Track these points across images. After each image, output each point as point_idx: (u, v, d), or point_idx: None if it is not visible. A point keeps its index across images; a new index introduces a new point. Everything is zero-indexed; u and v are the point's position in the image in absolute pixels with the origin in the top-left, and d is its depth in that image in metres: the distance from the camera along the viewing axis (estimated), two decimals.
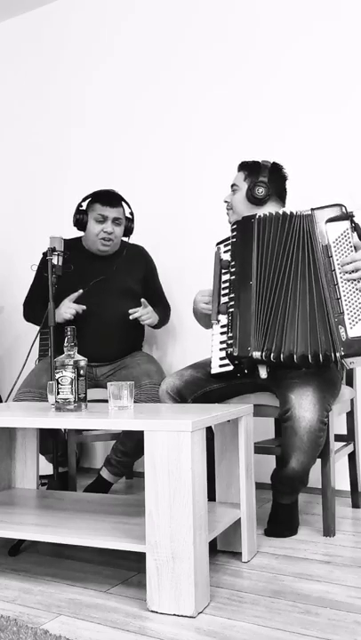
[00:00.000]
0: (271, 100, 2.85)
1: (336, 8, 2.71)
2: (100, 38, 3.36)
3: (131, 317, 2.59)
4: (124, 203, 2.70)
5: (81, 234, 2.77)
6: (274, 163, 2.29)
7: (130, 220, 2.73)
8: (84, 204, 2.70)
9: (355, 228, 1.99)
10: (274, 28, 2.85)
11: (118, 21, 3.30)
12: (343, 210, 2.00)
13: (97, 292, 2.64)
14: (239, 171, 2.32)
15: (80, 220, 2.67)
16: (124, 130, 3.26)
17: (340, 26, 2.70)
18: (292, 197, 2.37)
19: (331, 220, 2.00)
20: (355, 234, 1.98)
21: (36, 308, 2.74)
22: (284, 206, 2.30)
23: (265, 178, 2.23)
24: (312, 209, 2.02)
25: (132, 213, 2.74)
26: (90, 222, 2.66)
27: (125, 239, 2.78)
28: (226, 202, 2.33)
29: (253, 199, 2.23)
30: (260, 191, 2.22)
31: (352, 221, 1.99)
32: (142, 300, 2.62)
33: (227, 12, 2.97)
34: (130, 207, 2.73)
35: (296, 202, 2.33)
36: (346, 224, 1.99)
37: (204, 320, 2.32)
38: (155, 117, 3.16)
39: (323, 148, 2.72)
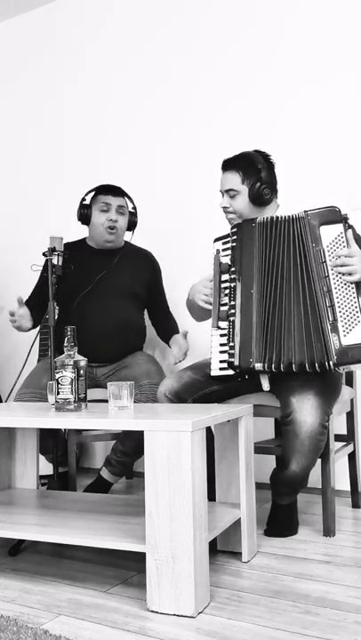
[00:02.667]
0: (271, 99, 2.85)
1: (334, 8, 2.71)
2: (97, 36, 3.36)
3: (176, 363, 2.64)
4: (126, 197, 2.73)
5: (85, 235, 2.79)
6: (262, 153, 2.21)
7: (133, 215, 2.75)
8: (88, 199, 2.73)
9: (348, 227, 1.97)
10: (270, 25, 2.85)
11: (117, 16, 3.30)
12: (337, 212, 1.96)
13: (100, 292, 2.64)
14: (227, 171, 2.21)
15: (84, 214, 2.69)
16: (126, 130, 3.26)
17: (340, 21, 2.70)
18: (293, 198, 2.37)
19: (325, 223, 1.96)
20: (349, 231, 1.95)
21: (32, 311, 2.74)
22: (277, 197, 2.26)
23: (265, 175, 2.16)
24: (305, 212, 1.99)
25: (134, 208, 2.76)
26: (94, 213, 2.67)
27: (130, 234, 2.79)
28: (225, 207, 2.23)
29: (260, 201, 2.17)
30: (267, 192, 2.17)
31: (346, 223, 1.96)
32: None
33: (226, 12, 2.98)
34: (132, 202, 2.75)
35: (296, 202, 2.32)
36: (340, 227, 1.95)
37: (198, 313, 2.30)
38: (155, 116, 3.16)
39: (323, 149, 2.71)
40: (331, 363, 1.89)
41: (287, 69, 2.82)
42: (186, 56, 3.09)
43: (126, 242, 2.80)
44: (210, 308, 2.15)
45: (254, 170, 2.16)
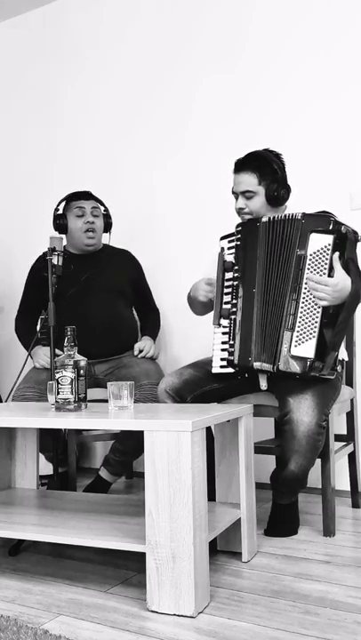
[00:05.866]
0: (271, 99, 2.85)
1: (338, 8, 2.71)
2: (97, 36, 3.36)
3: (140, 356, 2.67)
4: (97, 199, 2.77)
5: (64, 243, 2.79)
6: (274, 152, 2.19)
7: (107, 216, 2.79)
8: (60, 208, 2.75)
9: (338, 245, 1.91)
10: (272, 28, 2.85)
11: (117, 16, 3.30)
12: (330, 222, 1.92)
13: (87, 292, 2.65)
14: (241, 172, 2.16)
15: (61, 225, 2.71)
16: (120, 127, 3.26)
17: (344, 25, 2.70)
18: (294, 198, 2.36)
19: (316, 230, 1.93)
20: (336, 254, 1.90)
21: (28, 325, 2.76)
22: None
23: (280, 175, 2.14)
24: (303, 214, 1.97)
25: (106, 210, 2.79)
26: (70, 220, 2.71)
27: (107, 236, 2.81)
28: (240, 209, 2.17)
29: (276, 201, 2.15)
30: (284, 192, 2.15)
31: (337, 237, 1.91)
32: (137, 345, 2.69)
33: (230, 13, 2.98)
34: (104, 205, 2.78)
35: (297, 203, 2.32)
36: (328, 239, 1.91)
37: (198, 308, 2.30)
38: (154, 116, 3.16)
39: (324, 149, 2.71)
40: (274, 367, 1.94)
41: (289, 70, 2.82)
42: (187, 58, 3.08)
43: (105, 244, 2.83)
44: (206, 300, 2.18)
45: (270, 170, 2.13)
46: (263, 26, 2.88)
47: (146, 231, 3.14)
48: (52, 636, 1.34)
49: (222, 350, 2.10)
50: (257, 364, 2.00)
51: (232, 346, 2.04)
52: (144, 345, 2.68)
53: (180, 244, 3.06)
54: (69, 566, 1.82)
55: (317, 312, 1.92)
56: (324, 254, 1.92)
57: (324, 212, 2.00)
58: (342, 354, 2.23)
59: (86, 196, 2.73)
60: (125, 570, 1.77)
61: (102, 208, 2.78)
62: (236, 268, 2.09)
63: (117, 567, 1.79)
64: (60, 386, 1.78)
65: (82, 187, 2.96)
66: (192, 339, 2.98)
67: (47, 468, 2.66)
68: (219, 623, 1.42)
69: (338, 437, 2.31)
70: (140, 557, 1.60)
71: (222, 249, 2.17)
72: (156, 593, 1.48)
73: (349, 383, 2.40)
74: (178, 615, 1.46)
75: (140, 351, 2.66)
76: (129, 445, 2.47)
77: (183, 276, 3.00)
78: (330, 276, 1.90)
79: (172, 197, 3.10)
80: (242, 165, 2.17)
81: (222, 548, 1.90)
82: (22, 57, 3.65)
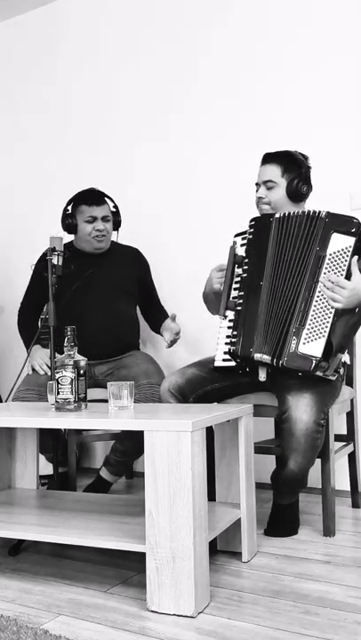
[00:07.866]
0: (270, 98, 2.85)
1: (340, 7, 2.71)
2: (97, 35, 3.36)
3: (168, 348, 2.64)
4: (107, 199, 2.72)
5: (71, 237, 2.78)
6: (303, 155, 2.22)
7: (116, 214, 2.75)
8: (70, 208, 2.71)
9: (358, 249, 1.94)
10: (279, 23, 2.85)
11: (117, 16, 3.30)
12: (355, 224, 1.95)
13: (90, 290, 2.64)
14: (267, 164, 2.20)
15: (70, 225, 2.68)
16: (120, 128, 3.26)
17: (348, 25, 2.70)
18: None
19: (339, 230, 1.96)
20: (355, 258, 1.93)
21: (29, 321, 2.77)
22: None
23: (304, 172, 2.17)
24: (328, 212, 1.99)
25: (115, 207, 2.75)
26: (80, 224, 2.67)
27: (115, 233, 2.79)
28: (260, 198, 2.21)
29: (297, 196, 2.17)
30: (305, 189, 2.17)
31: (358, 240, 1.94)
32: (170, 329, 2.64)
33: (230, 11, 2.98)
34: (113, 201, 2.75)
35: None
36: (350, 241, 1.94)
37: (214, 303, 2.30)
38: (153, 115, 3.17)
39: (324, 149, 2.71)
40: (280, 362, 1.94)
41: (288, 69, 2.82)
42: (184, 55, 3.09)
43: (113, 241, 2.80)
44: (220, 288, 2.16)
45: (295, 166, 2.18)
46: (264, 28, 2.88)
47: (147, 232, 3.14)
48: (52, 636, 1.34)
49: (226, 344, 2.10)
50: (257, 355, 2.00)
51: (235, 336, 2.05)
52: (170, 332, 2.61)
53: (180, 245, 3.06)
54: (69, 566, 1.82)
55: (330, 312, 1.93)
56: (344, 256, 1.94)
57: (351, 216, 2.00)
58: (345, 357, 2.23)
59: (98, 201, 2.66)
60: (125, 570, 1.77)
61: (112, 205, 2.73)
62: (246, 261, 2.10)
63: (117, 567, 1.79)
64: (60, 386, 1.79)
65: (82, 186, 2.96)
66: (193, 339, 2.98)
67: (47, 468, 2.66)
68: (219, 623, 1.42)
69: (338, 437, 2.31)
70: (140, 557, 1.60)
71: (234, 242, 2.18)
72: (156, 593, 1.48)
73: (349, 383, 2.40)
74: (178, 615, 1.46)
75: (176, 334, 2.60)
76: (129, 445, 2.46)
77: (183, 276, 3.01)
78: (347, 278, 1.92)
79: (173, 198, 3.10)
80: (269, 158, 2.22)
81: (222, 548, 1.90)
82: (22, 56, 3.65)
